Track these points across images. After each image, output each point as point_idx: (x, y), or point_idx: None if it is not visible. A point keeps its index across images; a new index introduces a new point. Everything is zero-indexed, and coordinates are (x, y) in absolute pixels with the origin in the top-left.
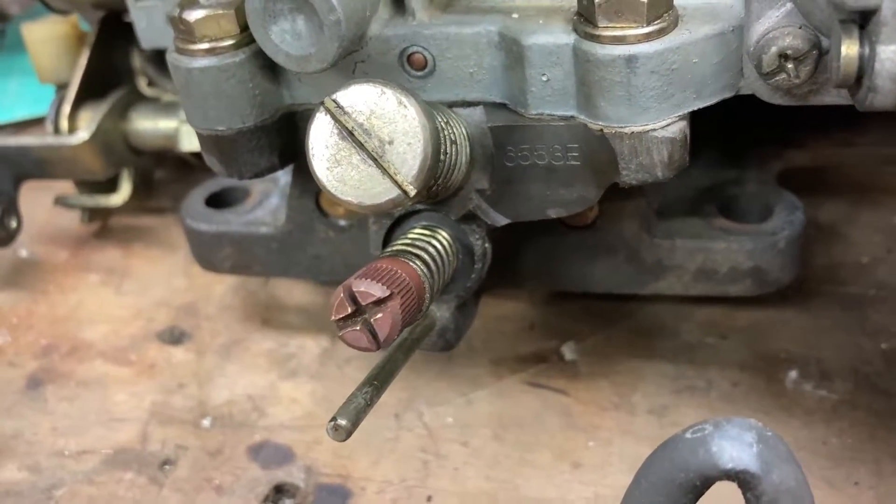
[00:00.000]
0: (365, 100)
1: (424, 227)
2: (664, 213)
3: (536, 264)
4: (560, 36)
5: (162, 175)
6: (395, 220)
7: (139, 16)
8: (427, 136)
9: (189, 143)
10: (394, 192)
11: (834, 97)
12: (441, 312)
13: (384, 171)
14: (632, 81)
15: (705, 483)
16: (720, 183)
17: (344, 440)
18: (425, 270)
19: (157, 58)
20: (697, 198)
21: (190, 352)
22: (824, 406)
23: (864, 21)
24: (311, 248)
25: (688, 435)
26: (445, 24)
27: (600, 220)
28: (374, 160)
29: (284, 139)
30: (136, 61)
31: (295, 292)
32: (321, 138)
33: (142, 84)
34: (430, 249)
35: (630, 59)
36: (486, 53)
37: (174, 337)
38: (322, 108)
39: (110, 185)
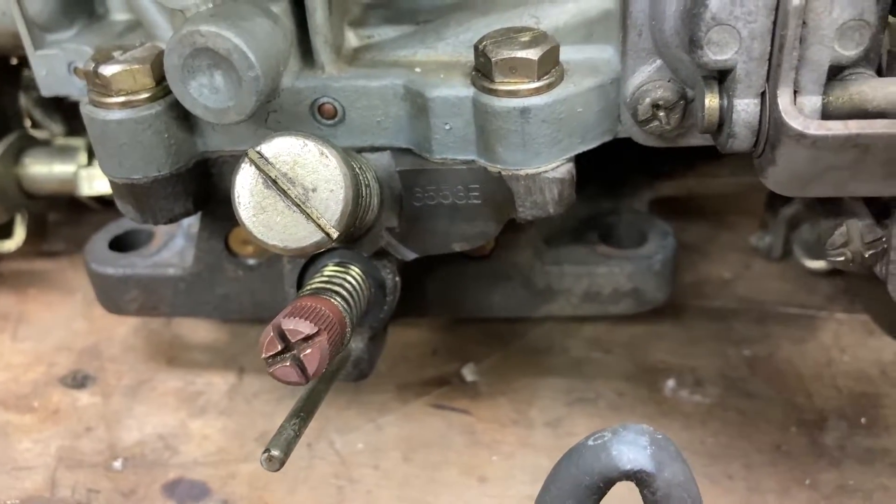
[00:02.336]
0: (288, 151)
1: (338, 265)
2: (552, 243)
3: (440, 293)
4: (461, 89)
5: (55, 218)
6: (309, 258)
7: (39, 64)
8: (348, 182)
9: (89, 187)
10: (318, 236)
11: (698, 140)
12: (356, 344)
13: (308, 216)
14: (526, 130)
15: (608, 484)
16: (600, 213)
17: (277, 470)
18: (345, 306)
19: (44, 101)
20: (580, 227)
21: (95, 395)
22: (700, 410)
23: (722, 77)
24: (219, 288)
25: (590, 442)
26: (354, 78)
27: (497, 250)
28: (299, 206)
29: (198, 185)
30: (23, 104)
31: (199, 330)
32: (247, 187)
33: (27, 127)
34: (346, 285)
35: (524, 111)
36: (392, 104)
37: (78, 381)
38: (247, 159)
39: (3, 231)
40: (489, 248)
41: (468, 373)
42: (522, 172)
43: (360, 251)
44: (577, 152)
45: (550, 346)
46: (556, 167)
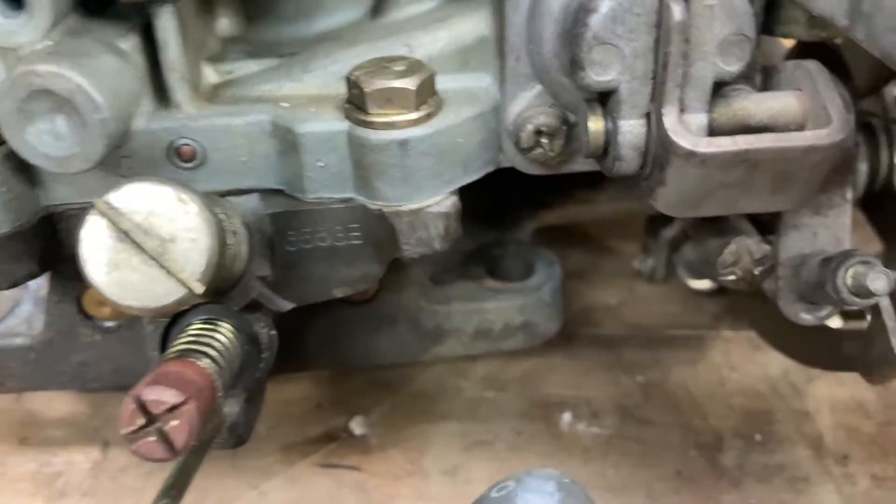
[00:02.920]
0: (140, 198)
1: (205, 322)
2: (438, 280)
3: (321, 344)
4: (333, 123)
5: None
6: (172, 316)
7: None
8: (211, 230)
9: None
10: (180, 292)
11: (581, 165)
12: (230, 408)
13: (167, 270)
14: (406, 163)
15: None
16: (484, 246)
17: None
18: (215, 367)
19: None
20: (466, 262)
21: None
22: (598, 442)
23: (604, 99)
24: (75, 356)
25: (493, 494)
26: (215, 116)
27: (381, 293)
28: (156, 260)
29: (43, 243)
30: None
31: (55, 404)
32: (95, 242)
33: None
34: (215, 344)
35: (403, 144)
36: (258, 142)
37: None
38: (94, 211)
39: None
40: (372, 292)
41: (357, 426)
42: (405, 208)
43: (230, 305)
44: (460, 184)
45: (442, 389)
46: (439, 201)
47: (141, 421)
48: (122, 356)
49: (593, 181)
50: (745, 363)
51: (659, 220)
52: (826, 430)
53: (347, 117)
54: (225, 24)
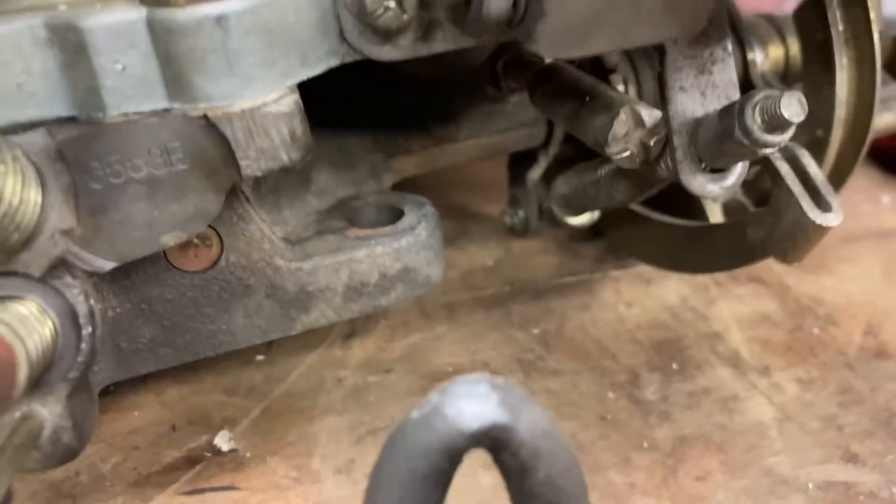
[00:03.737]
0: None
1: None
2: (292, 241)
3: (160, 336)
4: (128, 12)
5: None
6: None
7: None
8: None
9: None
10: None
11: (442, 43)
12: (49, 408)
13: None
14: (228, 46)
15: (453, 460)
16: (340, 201)
17: None
18: (15, 339)
19: None
20: (321, 220)
21: None
22: None
23: None
24: None
25: (415, 416)
26: None
27: (224, 256)
28: None
29: None
30: None
31: None
32: None
33: None
34: (13, 325)
35: (221, 19)
36: (34, 56)
37: None
38: None
39: None
40: (215, 255)
41: (223, 441)
42: (236, 108)
43: (27, 272)
44: (299, 78)
45: (318, 383)
46: (278, 98)
47: None
48: None
49: (451, 116)
50: (640, 298)
51: (523, 163)
52: (740, 346)
53: (144, 2)
54: None
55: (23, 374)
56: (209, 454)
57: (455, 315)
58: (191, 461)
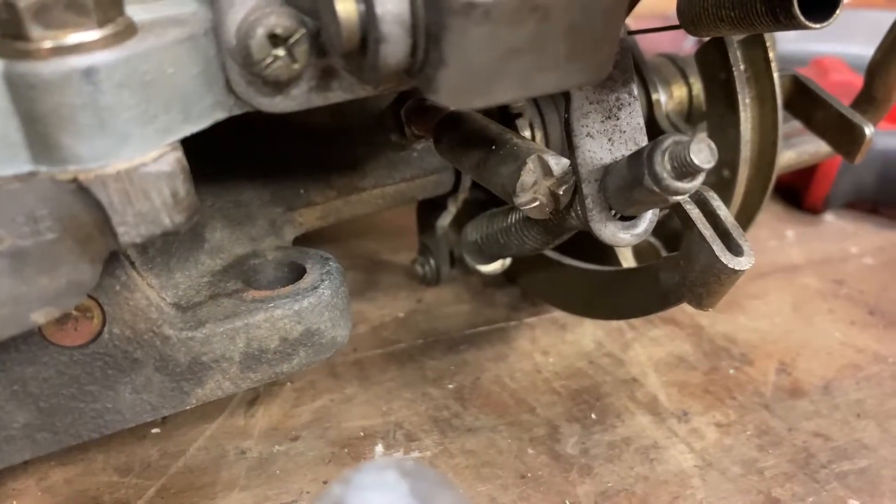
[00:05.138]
0: None
1: None
2: (182, 307)
3: (31, 422)
4: None
5: None
6: None
7: None
8: None
9: None
10: None
11: (337, 92)
12: None
13: None
14: (99, 101)
15: None
16: (236, 260)
17: None
18: None
19: None
20: (216, 282)
21: None
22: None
23: None
24: None
25: None
26: None
27: (107, 328)
28: None
29: None
30: None
31: None
32: None
33: None
34: None
35: (89, 72)
36: None
37: None
38: None
39: None
40: (96, 328)
41: None
42: (111, 170)
43: None
44: (183, 134)
45: (219, 456)
46: (158, 157)
47: None
48: None
49: (354, 165)
50: (556, 345)
51: (432, 210)
52: (658, 391)
53: (2, 54)
54: None
55: None
56: None
57: (366, 373)
58: None
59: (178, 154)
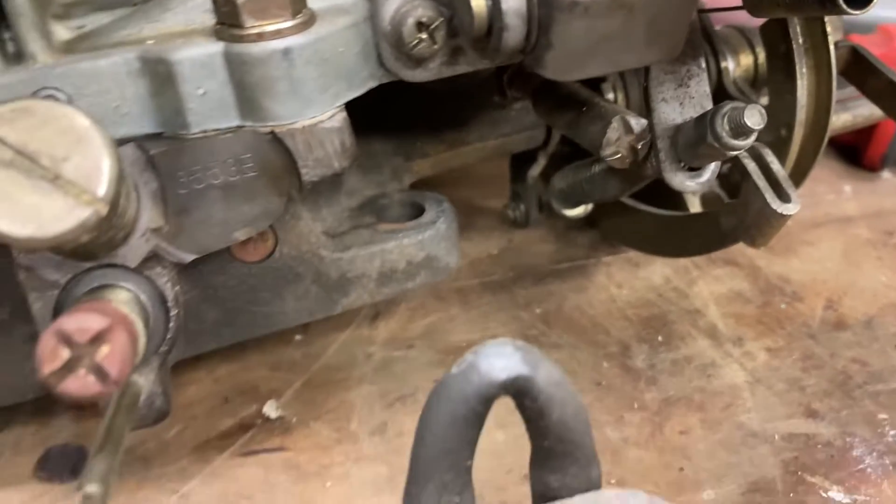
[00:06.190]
0: (19, 118)
1: (101, 288)
2: (331, 235)
3: (223, 316)
4: (208, 46)
5: None
6: (63, 287)
7: None
8: (106, 139)
9: None
10: (84, 212)
11: (464, 66)
12: (144, 377)
13: (66, 191)
14: (292, 74)
15: (486, 405)
16: (368, 199)
17: None
18: (131, 310)
19: None
20: (353, 216)
21: None
22: None
23: None
24: None
25: (455, 371)
26: (78, 60)
27: (278, 249)
28: (51, 182)
29: None
30: None
31: None
32: None
33: None
34: (122, 306)
35: (287, 52)
36: (128, 84)
37: None
38: None
39: None
40: (271, 247)
41: (271, 410)
42: (298, 125)
43: (125, 264)
44: (347, 99)
45: (350, 358)
46: (331, 116)
47: (65, 355)
48: (0, 370)
49: (461, 122)
50: (629, 279)
51: (524, 162)
52: (717, 320)
53: (221, 38)
54: None
55: (141, 344)
56: (259, 421)
57: (466, 298)
58: (243, 427)
59: (344, 114)
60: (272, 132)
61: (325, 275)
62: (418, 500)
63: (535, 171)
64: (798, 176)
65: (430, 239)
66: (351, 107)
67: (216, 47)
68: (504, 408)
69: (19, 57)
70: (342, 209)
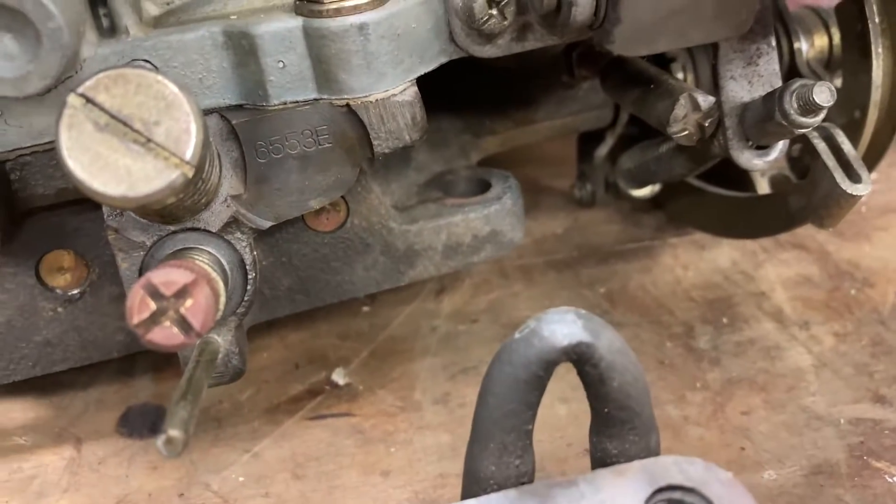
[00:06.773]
0: (116, 86)
1: (184, 250)
2: (399, 208)
3: (295, 283)
4: (288, 21)
5: None
6: (148, 249)
7: None
8: (194, 106)
9: None
10: (172, 174)
11: (533, 42)
12: (222, 337)
13: (156, 153)
14: (367, 48)
15: (548, 370)
16: (436, 175)
17: (180, 453)
18: (213, 271)
19: None
20: (421, 191)
21: None
22: None
23: None
24: (37, 335)
25: (517, 336)
26: (166, 33)
27: (349, 219)
28: (142, 145)
29: None
30: None
31: (13, 413)
32: (74, 136)
33: None
34: (206, 266)
35: (362, 27)
36: (213, 56)
37: None
38: (69, 106)
39: None
40: (343, 217)
41: (339, 377)
42: (372, 98)
43: (207, 228)
44: (419, 73)
45: (415, 330)
46: (403, 90)
47: (152, 307)
48: (88, 328)
49: (529, 100)
50: (695, 262)
51: (591, 141)
52: (783, 303)
53: (300, 13)
54: None
55: (222, 302)
56: (327, 387)
57: (530, 276)
58: (312, 393)
59: (416, 88)
60: (347, 104)
61: (392, 246)
62: (480, 460)
63: (603, 150)
64: (872, 159)
65: (496, 214)
66: (421, 84)
67: (296, 22)
68: (566, 383)
69: (113, 31)
70: (410, 184)
